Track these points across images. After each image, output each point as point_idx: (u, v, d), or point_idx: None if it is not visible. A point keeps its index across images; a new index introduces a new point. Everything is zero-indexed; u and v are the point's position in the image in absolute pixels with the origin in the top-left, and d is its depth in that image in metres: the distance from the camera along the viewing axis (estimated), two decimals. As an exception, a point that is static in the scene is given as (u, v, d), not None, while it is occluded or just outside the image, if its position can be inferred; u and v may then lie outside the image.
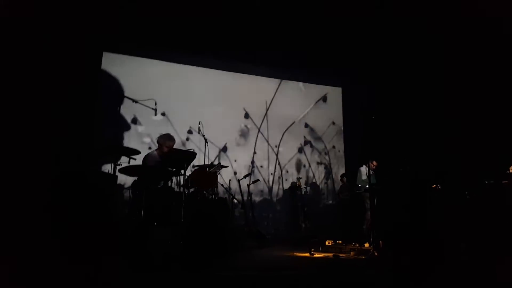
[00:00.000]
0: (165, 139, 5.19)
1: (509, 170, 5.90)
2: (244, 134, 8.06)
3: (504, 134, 6.47)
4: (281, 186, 8.08)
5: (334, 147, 8.78)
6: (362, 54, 7.78)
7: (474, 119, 6.92)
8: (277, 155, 8.24)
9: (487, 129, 6.75)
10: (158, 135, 5.38)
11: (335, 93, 9.04)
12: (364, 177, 6.57)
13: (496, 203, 5.18)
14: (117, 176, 4.27)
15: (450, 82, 7.25)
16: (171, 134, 5.27)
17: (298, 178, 7.34)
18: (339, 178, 7.91)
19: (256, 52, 7.53)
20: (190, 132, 7.35)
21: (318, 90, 8.88)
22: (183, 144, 7.30)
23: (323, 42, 7.50)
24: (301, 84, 8.76)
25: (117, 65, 7.10)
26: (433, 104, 7.42)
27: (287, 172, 8.21)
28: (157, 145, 5.26)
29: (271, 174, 8.01)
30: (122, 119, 6.92)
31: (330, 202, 8.35)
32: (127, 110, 6.93)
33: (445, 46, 7.08)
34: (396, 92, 7.86)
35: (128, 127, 7.01)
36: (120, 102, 6.84)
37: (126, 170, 4.51)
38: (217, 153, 7.64)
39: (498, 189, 5.22)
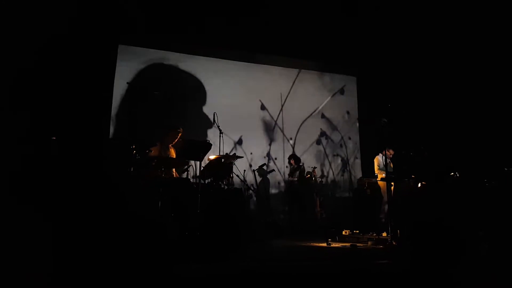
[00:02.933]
0: (174, 130, 5.18)
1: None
2: (260, 126, 8.02)
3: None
4: (296, 178, 8.04)
5: (350, 138, 8.68)
6: (377, 42, 7.63)
7: (492, 106, 6.77)
8: (293, 147, 8.20)
9: (506, 116, 6.60)
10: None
11: (351, 84, 8.91)
12: (381, 166, 6.49)
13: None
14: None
15: (468, 69, 7.09)
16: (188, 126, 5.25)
17: (314, 168, 7.28)
18: (287, 160, 7.69)
19: (271, 43, 7.47)
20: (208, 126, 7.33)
21: (334, 80, 8.76)
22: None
23: (337, 31, 7.38)
24: (316, 74, 8.64)
25: (132, 57, 7.13)
26: (451, 91, 7.28)
27: (303, 164, 8.16)
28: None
29: (287, 166, 7.98)
30: (138, 111, 6.92)
31: (347, 194, 8.29)
32: (144, 103, 6.93)
33: (463, 33, 6.91)
34: (413, 80, 7.70)
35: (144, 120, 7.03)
36: (136, 94, 6.85)
37: (143, 162, 4.56)
38: (232, 145, 7.63)
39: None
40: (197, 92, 7.57)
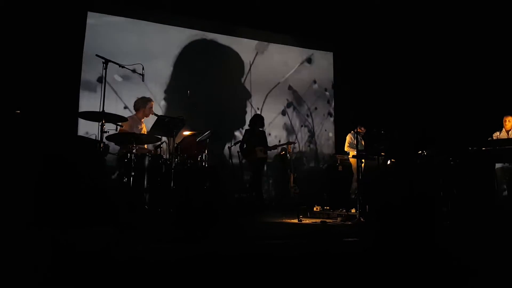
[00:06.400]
0: (145, 102, 5.08)
1: (492, 137, 6.03)
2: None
3: (487, 101, 6.55)
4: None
5: (316, 108, 8.72)
6: (355, 17, 7.56)
7: (458, 86, 6.96)
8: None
9: (471, 96, 6.81)
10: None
11: (321, 55, 8.84)
12: (352, 144, 6.60)
13: (480, 169, 5.31)
14: (104, 143, 4.16)
15: (438, 49, 7.20)
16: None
17: (288, 144, 7.30)
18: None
19: (243, 12, 7.26)
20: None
21: (303, 52, 8.65)
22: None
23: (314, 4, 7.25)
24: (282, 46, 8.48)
25: (103, 26, 6.75)
26: (421, 71, 7.40)
27: (269, 134, 8.15)
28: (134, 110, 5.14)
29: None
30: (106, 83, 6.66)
31: (312, 165, 8.43)
32: (112, 75, 6.66)
33: (434, 11, 6.96)
34: (384, 59, 7.76)
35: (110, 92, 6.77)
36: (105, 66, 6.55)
37: (114, 138, 4.42)
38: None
39: (481, 155, 5.32)
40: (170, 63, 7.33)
